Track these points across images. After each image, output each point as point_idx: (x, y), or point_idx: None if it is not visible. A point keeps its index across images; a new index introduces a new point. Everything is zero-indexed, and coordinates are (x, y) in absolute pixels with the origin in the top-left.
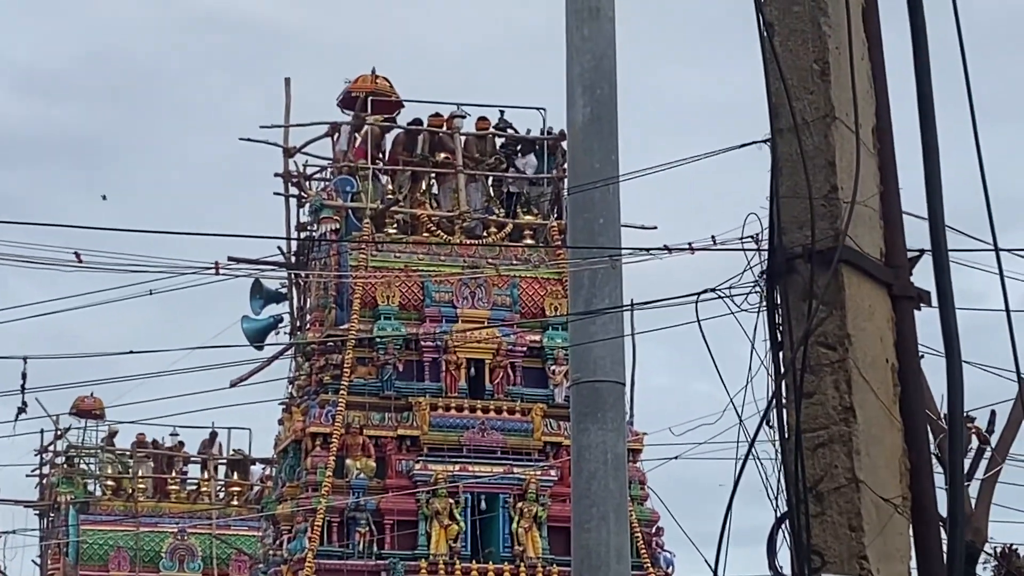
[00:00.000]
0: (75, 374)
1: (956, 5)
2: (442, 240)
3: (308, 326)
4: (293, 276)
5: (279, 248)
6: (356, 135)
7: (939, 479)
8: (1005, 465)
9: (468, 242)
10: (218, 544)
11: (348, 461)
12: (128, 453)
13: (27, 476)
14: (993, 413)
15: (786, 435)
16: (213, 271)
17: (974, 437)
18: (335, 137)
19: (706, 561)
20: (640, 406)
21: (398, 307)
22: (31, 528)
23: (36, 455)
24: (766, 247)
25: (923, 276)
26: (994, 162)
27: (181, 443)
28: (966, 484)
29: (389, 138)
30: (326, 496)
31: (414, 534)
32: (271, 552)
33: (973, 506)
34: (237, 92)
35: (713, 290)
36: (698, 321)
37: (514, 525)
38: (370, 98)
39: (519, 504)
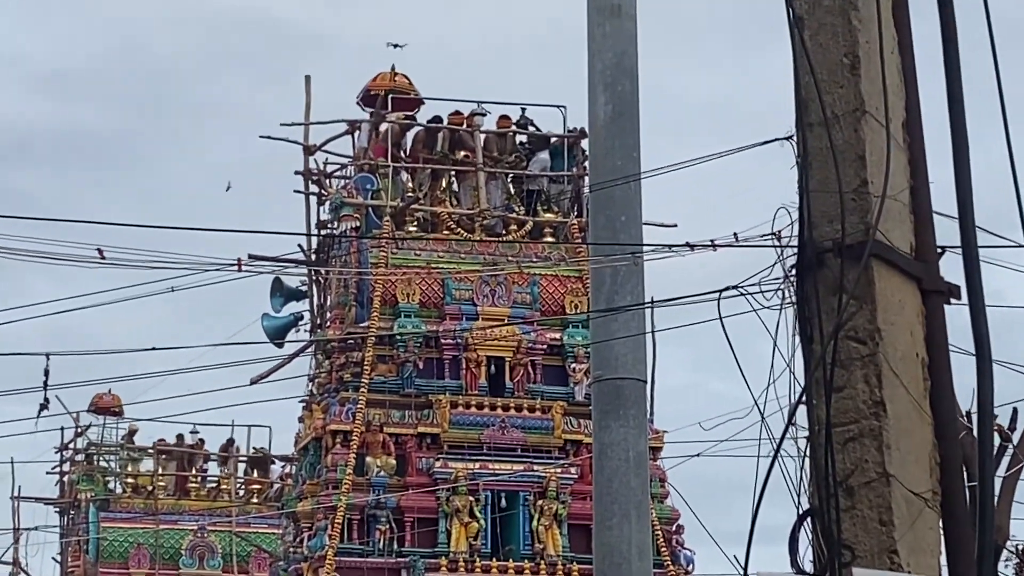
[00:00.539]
0: (95, 371)
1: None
2: (462, 238)
3: (328, 324)
4: (313, 274)
5: (299, 246)
6: (376, 133)
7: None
8: None
9: (488, 240)
10: (238, 541)
11: (368, 459)
12: (148, 451)
13: (47, 473)
14: (1015, 411)
15: (816, 429)
16: (235, 268)
17: (996, 434)
18: (355, 135)
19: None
20: (659, 405)
21: (418, 305)
22: (52, 525)
23: (57, 452)
24: (788, 243)
25: (947, 271)
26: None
27: (201, 441)
28: None
29: (409, 136)
30: (346, 494)
31: (434, 532)
32: (291, 549)
33: (995, 504)
34: (258, 90)
35: (735, 287)
36: (720, 319)
37: (534, 523)
38: (390, 96)
39: (539, 502)
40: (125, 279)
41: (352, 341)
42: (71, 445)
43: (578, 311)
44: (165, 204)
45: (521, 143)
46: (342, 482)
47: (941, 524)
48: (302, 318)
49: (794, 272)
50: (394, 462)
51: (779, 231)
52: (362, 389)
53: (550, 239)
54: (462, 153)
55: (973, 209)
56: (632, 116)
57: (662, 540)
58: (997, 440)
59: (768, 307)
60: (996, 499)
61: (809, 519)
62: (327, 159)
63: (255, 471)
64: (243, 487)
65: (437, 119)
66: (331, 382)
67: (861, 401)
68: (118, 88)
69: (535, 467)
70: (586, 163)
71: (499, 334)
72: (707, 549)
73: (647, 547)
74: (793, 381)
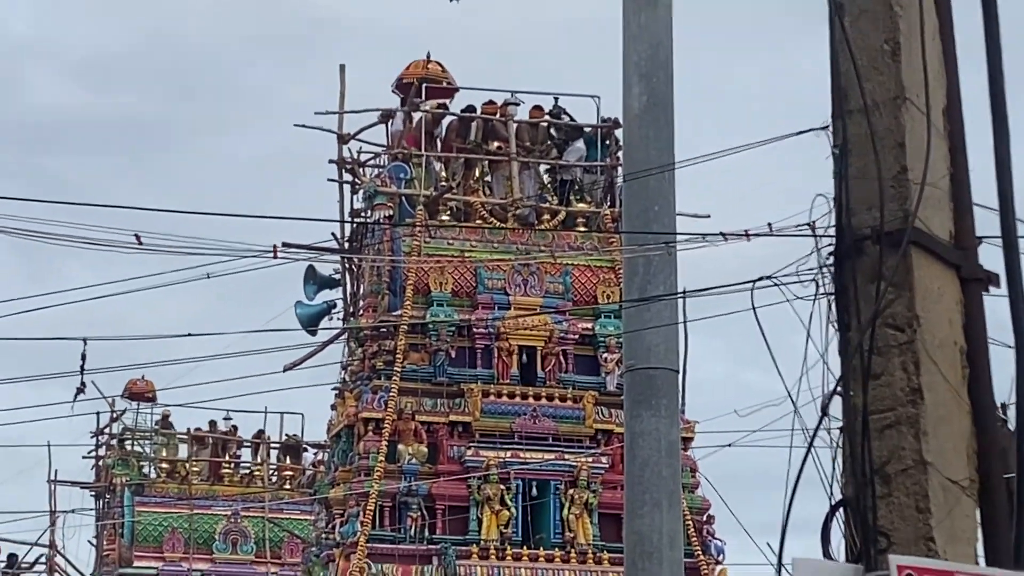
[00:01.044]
0: (131, 357)
1: None
2: (495, 227)
3: (361, 312)
4: (347, 262)
5: (333, 234)
6: (410, 122)
7: None
8: None
9: (521, 229)
10: (271, 527)
11: (400, 446)
12: (182, 436)
13: (83, 458)
14: None
15: (852, 417)
16: (271, 255)
17: None
18: (389, 124)
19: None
20: (692, 395)
21: (451, 294)
22: (87, 509)
23: (92, 437)
24: (824, 233)
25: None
26: None
27: (235, 427)
28: None
29: (443, 125)
30: (378, 481)
31: (465, 519)
32: (323, 536)
33: None
34: (293, 78)
35: (769, 277)
36: (753, 309)
37: (565, 512)
38: (424, 84)
39: (570, 491)
40: (161, 265)
41: (385, 329)
42: (106, 430)
43: (610, 301)
44: (200, 191)
45: (555, 133)
46: (374, 469)
47: (979, 513)
48: (335, 306)
49: (831, 259)
50: (426, 450)
51: (814, 221)
52: (394, 377)
53: (583, 229)
54: (495, 144)
55: (1013, 197)
56: (666, 106)
57: (693, 530)
58: None
59: (802, 298)
60: None
61: (842, 509)
62: (361, 148)
63: (288, 458)
64: (276, 473)
65: (471, 108)
66: (363, 370)
67: (899, 388)
68: (154, 75)
69: (566, 456)
70: (619, 153)
71: (531, 323)
72: (738, 539)
73: (678, 536)
74: (827, 372)
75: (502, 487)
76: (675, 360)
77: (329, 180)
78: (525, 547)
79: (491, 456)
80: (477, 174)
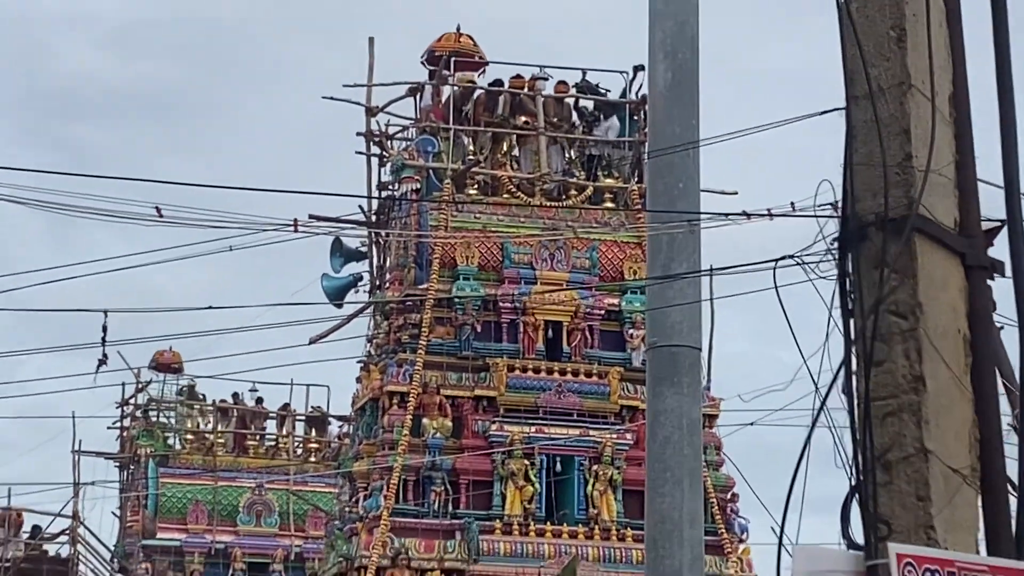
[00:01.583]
0: (156, 328)
1: None
2: (522, 202)
3: (387, 285)
4: (373, 235)
5: (360, 207)
6: (438, 95)
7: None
8: None
9: (548, 204)
10: (295, 500)
11: (425, 420)
12: (208, 407)
13: (108, 428)
14: None
15: (856, 403)
16: (292, 228)
17: None
18: (417, 97)
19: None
20: (718, 373)
21: (477, 268)
22: (111, 480)
23: (117, 408)
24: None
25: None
26: None
27: (260, 399)
28: None
29: (472, 98)
30: (402, 454)
31: (489, 494)
32: (347, 509)
33: None
34: (321, 51)
35: (792, 256)
36: (775, 288)
37: (589, 488)
38: (454, 58)
39: (594, 467)
40: (187, 237)
41: (411, 303)
42: (131, 401)
43: (637, 277)
44: (227, 163)
45: (585, 108)
46: (398, 443)
47: (980, 501)
48: (361, 279)
49: (836, 245)
50: (450, 424)
51: (836, 202)
52: (419, 351)
53: (610, 205)
54: (523, 118)
55: (1019, 185)
56: (692, 84)
57: (717, 508)
58: None
59: (824, 277)
60: None
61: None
62: (389, 121)
63: (313, 430)
64: (301, 446)
65: (498, 82)
66: (389, 343)
67: (900, 375)
68: (184, 46)
69: (591, 432)
70: (647, 129)
71: (557, 298)
72: (762, 517)
73: (699, 515)
74: (828, 359)
75: (526, 462)
76: (698, 338)
77: (357, 153)
78: (549, 523)
79: (515, 431)
80: (505, 148)
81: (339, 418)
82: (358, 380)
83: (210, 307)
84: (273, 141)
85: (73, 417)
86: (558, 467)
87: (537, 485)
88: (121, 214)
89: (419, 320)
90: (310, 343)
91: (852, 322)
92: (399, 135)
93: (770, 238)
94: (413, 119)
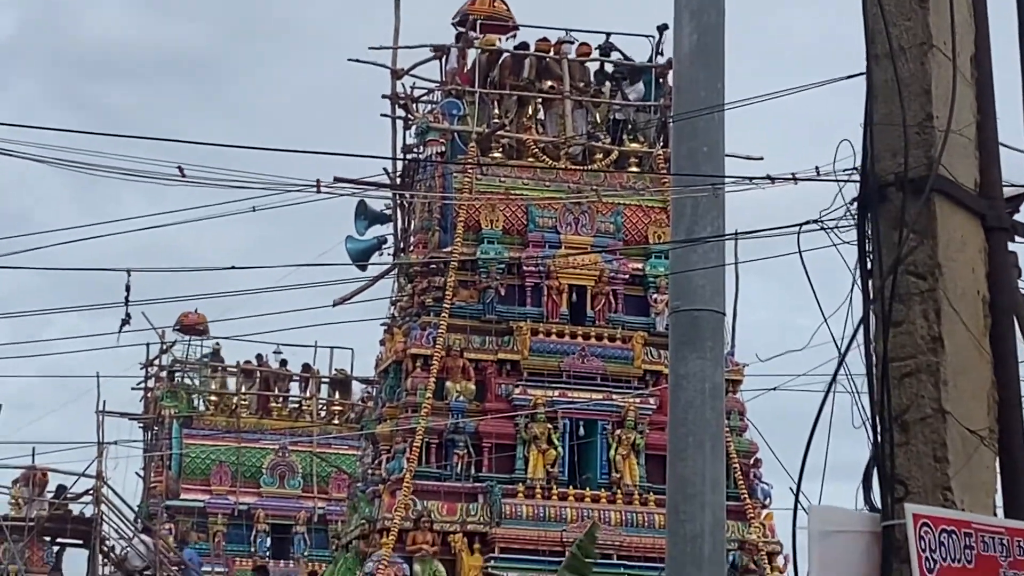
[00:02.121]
0: (182, 289)
1: None
2: (547, 165)
3: (411, 248)
4: (397, 198)
5: (385, 170)
6: (464, 58)
7: None
8: None
9: (573, 168)
10: (318, 462)
11: (448, 383)
12: (231, 369)
13: (132, 389)
14: None
15: (874, 364)
16: (315, 189)
17: None
18: (443, 60)
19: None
20: (741, 340)
21: (501, 231)
22: (135, 440)
23: (141, 369)
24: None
25: None
26: None
27: (284, 362)
28: None
29: (497, 62)
30: (425, 417)
31: (512, 458)
32: (370, 471)
33: None
34: (348, 13)
35: (815, 221)
36: (799, 252)
37: (612, 452)
38: (485, 21)
39: (617, 431)
40: (210, 197)
41: (434, 266)
42: (156, 362)
43: (661, 241)
44: (252, 125)
45: (610, 72)
46: (421, 406)
47: (998, 463)
48: (385, 241)
49: (856, 205)
50: (473, 387)
51: (864, 164)
52: (443, 314)
53: (635, 169)
54: (548, 82)
55: None
56: (717, 47)
57: (740, 473)
58: None
59: (848, 242)
60: None
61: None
62: (414, 83)
63: (336, 393)
64: (324, 408)
65: (524, 46)
66: (413, 306)
67: (919, 336)
68: (209, 7)
69: (614, 396)
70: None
71: (581, 262)
72: (785, 483)
73: (721, 479)
74: (849, 320)
75: (549, 426)
76: (721, 302)
77: (382, 115)
78: (571, 487)
79: (539, 395)
80: (530, 112)
81: (362, 381)
82: (381, 343)
83: (233, 267)
84: (298, 103)
85: (97, 377)
86: (581, 431)
87: (560, 449)
88: (145, 173)
89: (443, 283)
90: (334, 305)
91: (871, 283)
92: (424, 98)
93: (794, 202)
94: (438, 82)
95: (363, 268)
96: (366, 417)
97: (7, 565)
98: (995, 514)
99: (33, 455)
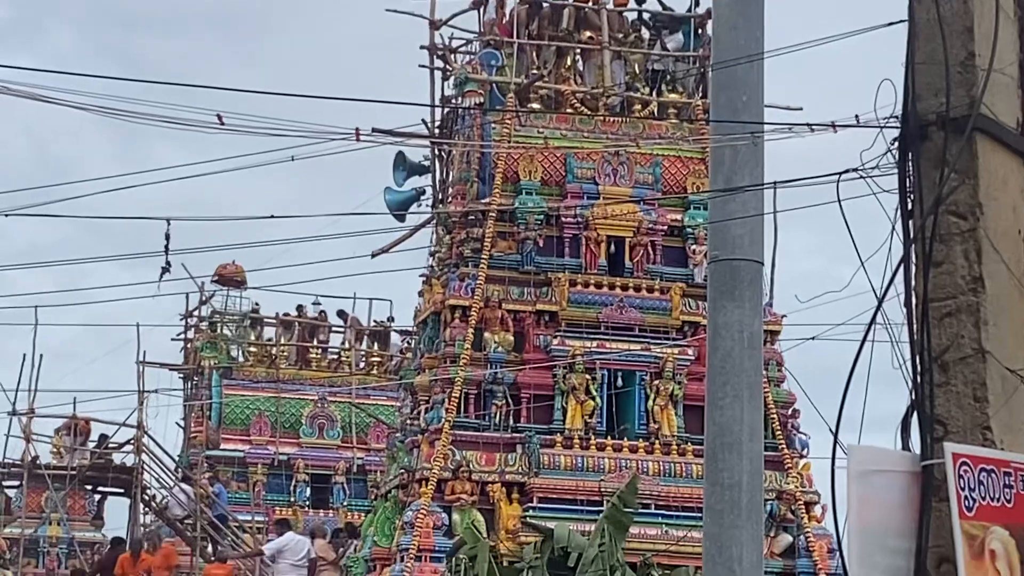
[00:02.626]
0: (219, 240)
1: None
2: (585, 116)
3: (450, 199)
4: (436, 149)
5: (423, 120)
6: (502, 8)
7: None
8: None
9: (611, 118)
10: (357, 412)
11: (486, 334)
12: (269, 320)
13: (172, 340)
14: None
15: (914, 304)
16: (353, 138)
17: None
18: (481, 10)
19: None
20: (780, 291)
21: (540, 182)
22: (175, 388)
23: (181, 319)
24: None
25: None
26: None
27: (323, 312)
28: None
29: (536, 13)
30: (464, 368)
31: (550, 408)
32: (408, 421)
33: None
34: None
35: (855, 169)
36: (839, 201)
37: (650, 402)
38: None
39: (655, 382)
40: (249, 146)
41: (473, 217)
42: (195, 312)
43: (700, 192)
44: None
45: (649, 22)
46: (460, 356)
47: None
48: (424, 192)
49: (896, 145)
50: (512, 338)
51: (901, 112)
52: (481, 265)
53: (674, 119)
54: (587, 32)
55: None
56: None
57: (777, 424)
58: None
59: (888, 191)
60: None
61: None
62: (452, 34)
63: (375, 344)
64: (363, 359)
65: None
66: (451, 257)
67: (959, 276)
68: None
69: (652, 347)
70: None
71: (619, 213)
72: (823, 434)
73: (758, 428)
74: (888, 262)
75: (587, 377)
76: (760, 252)
77: (420, 66)
78: (609, 437)
79: (577, 346)
80: (568, 63)
81: (401, 331)
82: (420, 294)
83: (272, 216)
84: (336, 54)
85: (138, 327)
86: (619, 382)
87: (598, 399)
88: (183, 121)
89: (481, 234)
90: (372, 256)
91: (911, 222)
92: (462, 49)
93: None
94: (477, 32)
95: (401, 219)
96: (405, 368)
97: (49, 513)
98: None
99: (74, 405)
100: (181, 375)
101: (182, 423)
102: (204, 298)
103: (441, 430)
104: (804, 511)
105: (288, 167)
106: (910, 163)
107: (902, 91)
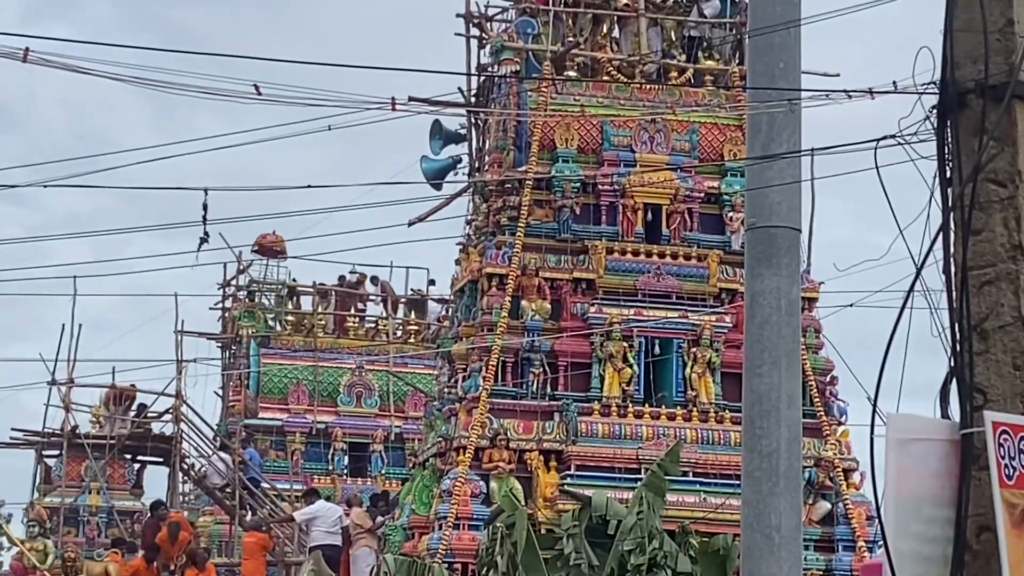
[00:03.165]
0: (256, 210)
1: None
2: (622, 83)
3: (486, 167)
4: (472, 117)
5: (459, 88)
6: None
7: None
8: None
9: (648, 86)
10: (394, 381)
11: (523, 302)
12: (306, 290)
13: (210, 309)
14: None
15: (953, 272)
16: (390, 107)
17: None
18: None
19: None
20: (818, 258)
21: (576, 150)
22: (213, 357)
23: (219, 289)
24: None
25: None
26: None
27: (363, 275)
28: None
29: None
30: (501, 336)
31: (587, 376)
32: (446, 390)
33: None
34: None
35: (892, 136)
36: (876, 168)
37: (687, 370)
38: None
39: (693, 349)
40: (286, 116)
41: (510, 185)
42: (232, 282)
43: (737, 159)
44: (327, 44)
45: None
46: (497, 325)
47: None
48: (460, 161)
49: (935, 113)
50: (549, 306)
51: (937, 80)
52: (518, 233)
53: (710, 86)
54: (623, 0)
55: None
56: None
57: (815, 391)
58: None
59: (926, 157)
60: None
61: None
62: (488, 2)
63: (412, 312)
64: (400, 328)
65: None
66: (488, 225)
67: (999, 244)
68: None
69: (689, 315)
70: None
71: (656, 180)
72: (861, 401)
73: (797, 395)
74: (927, 229)
75: (625, 344)
76: (797, 219)
77: (456, 35)
78: (647, 405)
79: (614, 313)
80: (604, 30)
81: (439, 300)
82: (457, 262)
83: (309, 186)
84: (372, 22)
85: (176, 297)
86: (656, 349)
87: (635, 367)
88: (221, 91)
89: (518, 202)
90: (409, 225)
91: (950, 191)
92: (498, 16)
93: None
94: (513, 0)
95: (438, 188)
96: (442, 336)
97: (89, 482)
98: None
99: (113, 374)
100: (219, 344)
101: (220, 392)
102: (241, 267)
103: (478, 398)
104: (842, 478)
105: (324, 136)
106: (948, 131)
107: (940, 59)
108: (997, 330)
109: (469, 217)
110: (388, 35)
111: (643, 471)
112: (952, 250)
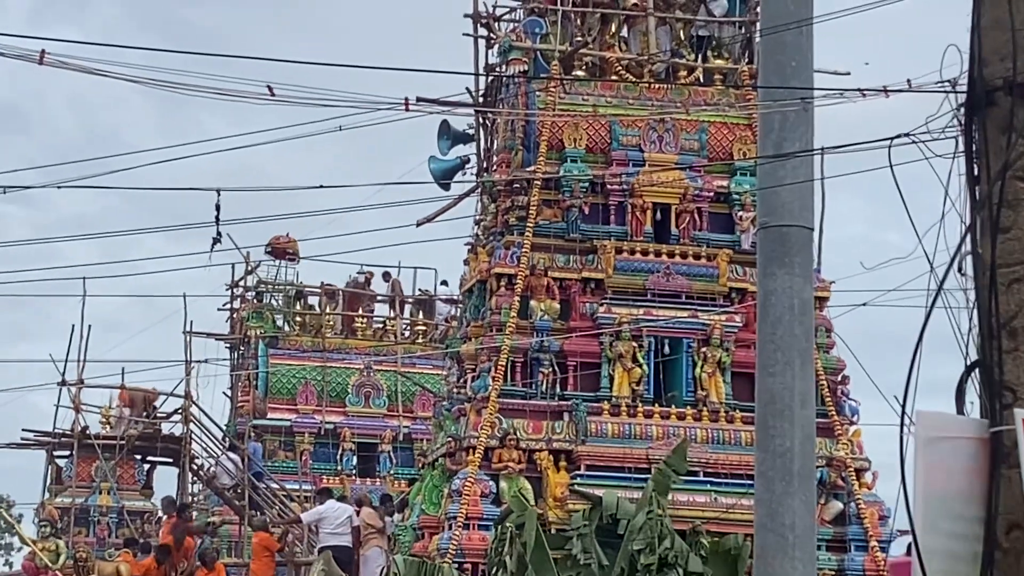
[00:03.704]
0: (265, 211)
1: None
2: (630, 83)
3: (495, 167)
4: (481, 117)
5: (467, 89)
6: None
7: None
8: None
9: (656, 85)
10: (403, 381)
11: (532, 302)
12: (315, 289)
13: (218, 310)
14: None
15: (981, 271)
16: (402, 108)
17: None
18: None
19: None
20: (830, 256)
21: (585, 150)
22: (222, 358)
23: (228, 289)
24: (963, 87)
25: None
26: None
27: (370, 274)
28: None
29: None
30: (510, 336)
31: (597, 376)
32: (455, 390)
33: None
34: None
35: (907, 135)
36: (891, 166)
37: (697, 370)
38: None
39: (703, 349)
40: (296, 117)
41: (518, 185)
42: (241, 283)
43: (746, 158)
44: (336, 45)
45: None
46: (506, 325)
47: None
48: (468, 161)
49: (963, 111)
50: (558, 306)
51: (955, 79)
52: (527, 233)
53: (719, 85)
54: (631, 0)
55: None
56: None
57: (827, 390)
58: None
59: (941, 156)
60: None
61: (978, 369)
62: (496, 1)
63: (421, 312)
64: (408, 328)
65: None
66: (496, 225)
67: None
68: None
69: (699, 314)
70: (758, 8)
71: (665, 180)
72: (873, 401)
73: (810, 395)
74: (961, 227)
75: (634, 344)
76: (809, 218)
77: (464, 35)
78: (657, 404)
79: (623, 313)
80: (612, 29)
81: (447, 300)
82: (465, 262)
83: (320, 186)
84: (381, 23)
85: (184, 298)
86: (666, 349)
87: (645, 367)
88: (234, 92)
89: (526, 202)
90: (417, 225)
91: (977, 189)
92: (506, 16)
93: (886, 116)
94: (520, 0)
95: (446, 188)
96: (450, 336)
97: (99, 482)
98: None
99: (123, 375)
100: (228, 345)
101: (229, 393)
102: (250, 268)
103: (488, 398)
104: (854, 478)
105: (332, 137)
106: (975, 128)
107: (967, 56)
108: None
109: (478, 217)
110: (396, 35)
111: (653, 471)
112: (979, 248)
